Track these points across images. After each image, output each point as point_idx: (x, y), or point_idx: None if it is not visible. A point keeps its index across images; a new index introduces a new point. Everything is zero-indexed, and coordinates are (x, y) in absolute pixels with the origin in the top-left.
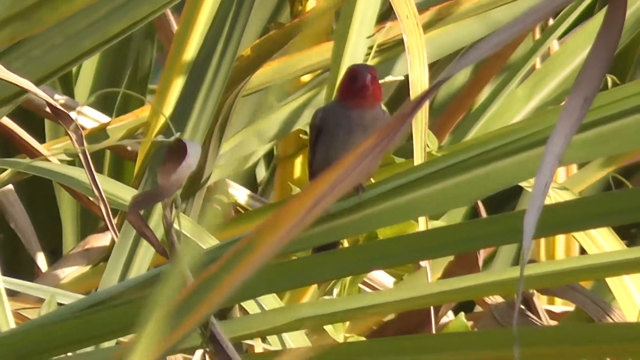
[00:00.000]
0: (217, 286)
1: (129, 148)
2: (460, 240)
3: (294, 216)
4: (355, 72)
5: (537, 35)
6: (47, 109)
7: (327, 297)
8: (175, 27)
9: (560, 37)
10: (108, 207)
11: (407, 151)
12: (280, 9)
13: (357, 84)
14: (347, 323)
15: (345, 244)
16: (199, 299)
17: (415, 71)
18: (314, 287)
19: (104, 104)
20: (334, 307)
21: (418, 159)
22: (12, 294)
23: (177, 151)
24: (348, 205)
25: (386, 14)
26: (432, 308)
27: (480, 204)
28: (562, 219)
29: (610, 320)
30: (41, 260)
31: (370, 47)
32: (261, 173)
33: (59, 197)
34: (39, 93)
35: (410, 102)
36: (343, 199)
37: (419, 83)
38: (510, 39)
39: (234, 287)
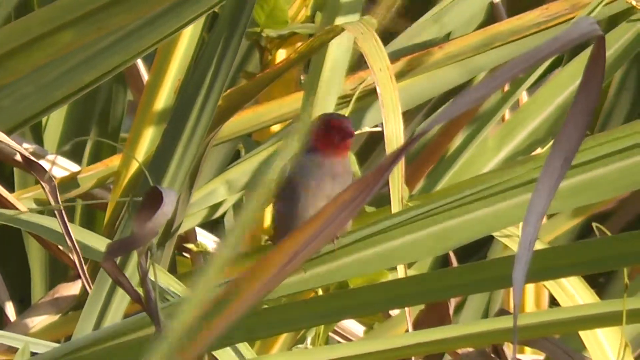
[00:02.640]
0: (193, 339)
1: (98, 197)
2: (432, 289)
3: (271, 269)
4: (335, 122)
5: (506, 86)
6: (17, 158)
7: (300, 346)
8: (145, 76)
9: (529, 88)
10: (81, 256)
11: (377, 200)
12: (248, 58)
13: (340, 134)
14: None
15: (320, 292)
16: (178, 350)
17: (390, 125)
18: (285, 337)
19: (74, 153)
20: (306, 358)
21: (396, 206)
22: None
23: (153, 199)
24: (321, 254)
25: (357, 64)
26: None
27: (451, 253)
28: (533, 269)
29: None
30: (10, 309)
31: (342, 97)
32: (231, 222)
33: (27, 246)
34: (12, 144)
35: (386, 156)
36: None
37: (394, 137)
38: (488, 94)
39: (210, 340)
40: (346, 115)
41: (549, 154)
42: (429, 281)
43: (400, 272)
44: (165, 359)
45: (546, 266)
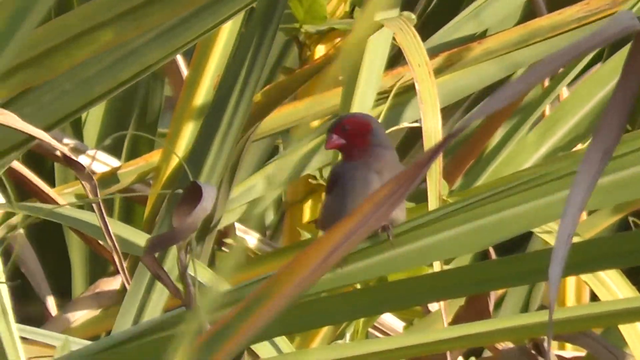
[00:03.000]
0: (233, 334)
1: (138, 192)
2: (471, 282)
3: (311, 263)
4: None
5: (547, 82)
6: (58, 153)
7: (339, 342)
8: (184, 71)
9: (569, 84)
10: (119, 252)
11: (416, 196)
12: (287, 54)
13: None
14: None
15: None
16: (215, 347)
17: (428, 120)
18: (325, 331)
19: (113, 148)
20: (345, 353)
21: (433, 203)
22: (24, 338)
23: (193, 194)
24: (374, 245)
25: (395, 59)
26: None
27: (490, 248)
28: (572, 262)
29: None
30: (51, 303)
31: (380, 93)
32: (270, 218)
33: (68, 241)
34: (52, 142)
35: (425, 152)
36: (373, 239)
37: (433, 132)
38: (528, 89)
39: (250, 335)
40: (384, 110)
41: (588, 147)
42: (468, 274)
43: (437, 269)
44: (203, 355)
45: (584, 259)
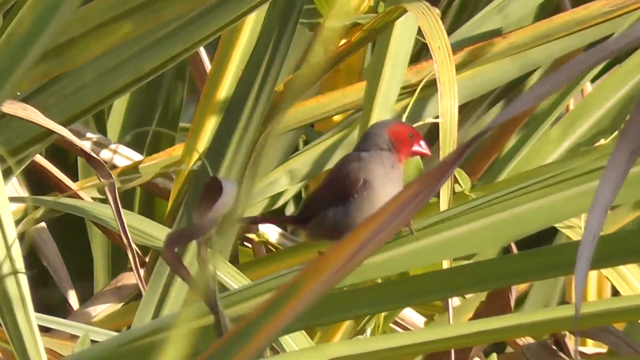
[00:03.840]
0: (256, 333)
1: (161, 186)
2: (492, 276)
3: (336, 263)
4: (417, 135)
5: None
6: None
7: (359, 337)
8: (207, 64)
9: (593, 79)
10: (133, 247)
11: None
12: (312, 49)
13: (418, 149)
14: None
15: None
16: (239, 346)
17: (445, 101)
18: (345, 327)
19: (135, 142)
20: (365, 347)
21: (444, 203)
22: (44, 330)
23: (213, 189)
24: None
25: (419, 54)
26: (465, 348)
27: (512, 245)
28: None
29: None
30: (73, 297)
31: (404, 87)
32: (291, 212)
33: (90, 234)
34: (71, 138)
35: (451, 152)
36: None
37: (449, 113)
38: (552, 91)
39: (273, 335)
40: (409, 105)
41: (615, 147)
42: (490, 268)
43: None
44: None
45: (606, 253)
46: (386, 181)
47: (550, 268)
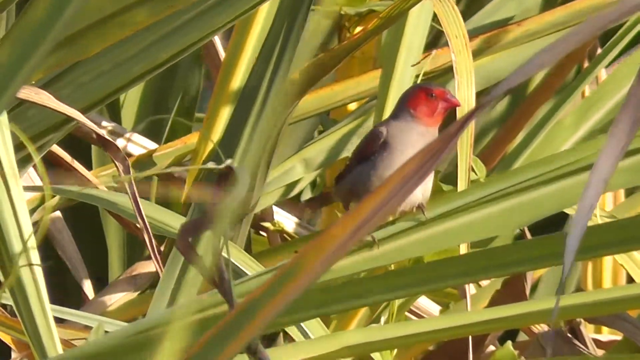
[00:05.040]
0: (261, 309)
1: (176, 175)
2: (506, 262)
3: (337, 239)
4: (439, 91)
5: (586, 64)
6: (95, 136)
7: (374, 325)
8: (222, 54)
9: (608, 66)
10: (151, 233)
11: (454, 179)
12: (331, 38)
13: (445, 103)
14: (395, 351)
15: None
16: (244, 322)
17: (462, 91)
18: (360, 315)
19: (151, 131)
20: (381, 335)
21: (462, 184)
22: (59, 320)
23: (227, 178)
24: (412, 224)
25: (433, 42)
26: (480, 336)
27: (526, 229)
28: (606, 241)
29: None
30: (88, 287)
31: (418, 75)
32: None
33: (105, 223)
34: (87, 123)
35: (454, 123)
36: (406, 219)
37: (466, 103)
38: (554, 59)
39: (278, 311)
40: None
41: (617, 116)
42: (504, 254)
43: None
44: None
45: (620, 239)
46: (407, 146)
47: (562, 254)
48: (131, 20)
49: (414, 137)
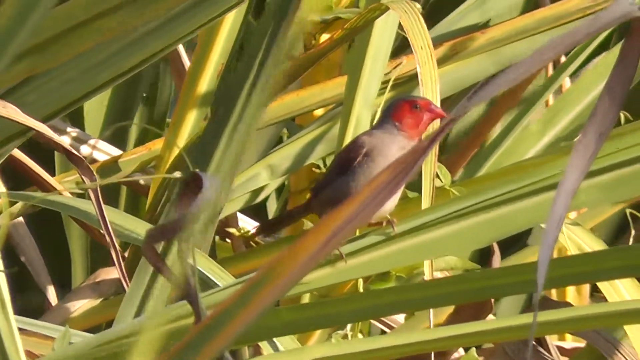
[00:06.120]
0: (231, 321)
1: (141, 182)
2: (472, 289)
3: (308, 250)
4: (423, 102)
5: (550, 72)
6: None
7: (339, 332)
8: (187, 60)
9: (572, 74)
10: (115, 241)
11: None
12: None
13: (431, 114)
14: None
15: (361, 282)
16: (214, 334)
17: None
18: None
19: (120, 138)
20: (346, 349)
21: (426, 196)
22: (22, 329)
23: (194, 184)
24: (382, 238)
25: (399, 49)
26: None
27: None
28: (579, 271)
29: (622, 357)
30: (51, 293)
31: (385, 82)
32: (272, 207)
33: (68, 230)
34: (52, 135)
35: (424, 137)
36: (375, 233)
37: None
38: (526, 74)
39: (248, 322)
40: (383, 100)
41: (584, 128)
42: (469, 282)
43: (426, 269)
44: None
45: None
46: (390, 159)
47: (526, 283)
48: (101, 28)
49: (396, 150)
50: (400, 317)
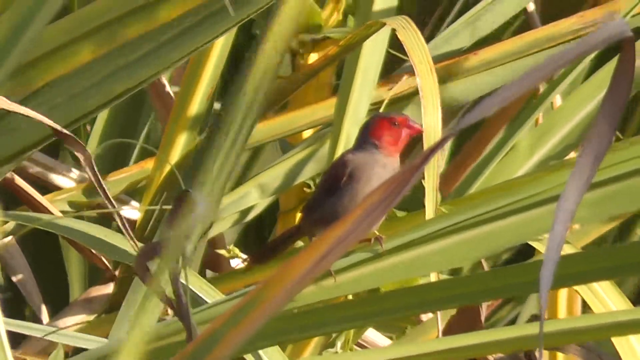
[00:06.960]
0: (222, 340)
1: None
2: (462, 293)
3: (300, 270)
4: (401, 119)
5: (541, 89)
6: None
7: (330, 350)
8: (168, 87)
9: (563, 92)
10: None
11: (407, 203)
12: (281, 62)
13: (409, 130)
14: None
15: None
16: (204, 354)
17: (429, 116)
18: (316, 340)
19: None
20: None
21: (430, 211)
22: (15, 345)
23: (185, 203)
24: (370, 255)
25: (389, 69)
26: None
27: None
28: (565, 273)
29: None
30: (44, 313)
31: (374, 104)
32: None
33: (65, 251)
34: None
35: (418, 155)
36: (364, 250)
37: (433, 128)
38: (519, 94)
39: (239, 342)
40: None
41: (580, 153)
42: (460, 285)
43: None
44: None
45: (578, 271)
46: (372, 177)
47: (520, 285)
48: (81, 51)
49: (378, 168)
50: (383, 343)
